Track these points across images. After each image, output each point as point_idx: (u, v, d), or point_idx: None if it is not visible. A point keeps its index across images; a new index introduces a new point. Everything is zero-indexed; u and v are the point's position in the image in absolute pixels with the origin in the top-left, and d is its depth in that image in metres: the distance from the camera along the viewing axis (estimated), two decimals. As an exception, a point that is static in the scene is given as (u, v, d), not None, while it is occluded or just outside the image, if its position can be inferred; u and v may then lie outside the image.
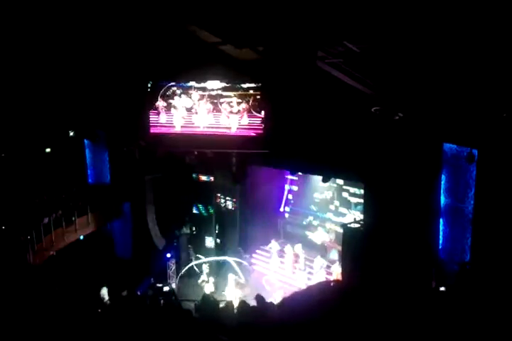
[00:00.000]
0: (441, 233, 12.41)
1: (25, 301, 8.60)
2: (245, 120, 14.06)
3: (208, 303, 10.45)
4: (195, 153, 17.34)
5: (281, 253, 18.28)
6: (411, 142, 12.04)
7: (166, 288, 16.31)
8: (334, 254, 17.38)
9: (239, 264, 17.81)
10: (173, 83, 14.58)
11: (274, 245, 18.41)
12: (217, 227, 19.17)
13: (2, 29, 10.75)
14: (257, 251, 19.13)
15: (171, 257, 18.18)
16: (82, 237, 17.06)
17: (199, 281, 17.49)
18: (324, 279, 15.91)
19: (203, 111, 14.38)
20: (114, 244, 19.03)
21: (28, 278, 11.58)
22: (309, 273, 17.05)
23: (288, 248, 17.97)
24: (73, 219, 16.39)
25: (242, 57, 11.47)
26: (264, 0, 8.11)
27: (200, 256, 18.69)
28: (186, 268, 17.84)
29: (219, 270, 18.24)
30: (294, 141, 14.18)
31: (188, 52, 12.34)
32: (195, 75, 14.47)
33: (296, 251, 17.81)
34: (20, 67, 12.97)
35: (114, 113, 16.11)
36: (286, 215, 19.71)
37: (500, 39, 7.51)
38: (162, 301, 13.00)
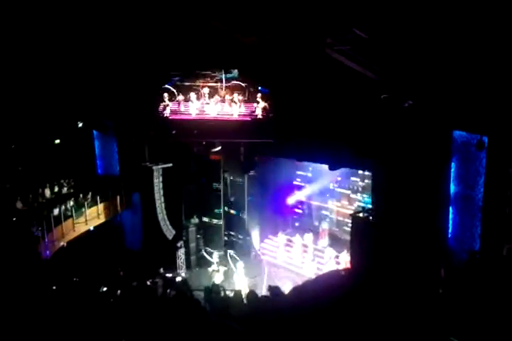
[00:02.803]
0: (450, 221, 12.31)
1: (36, 292, 8.70)
2: (242, 108, 16.02)
3: (216, 293, 10.46)
4: (204, 143, 17.40)
5: (289, 243, 18.29)
6: (420, 129, 11.92)
7: (178, 278, 16.42)
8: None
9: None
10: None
11: (281, 237, 18.46)
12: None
13: (12, 21, 10.74)
14: (266, 240, 19.17)
15: (180, 247, 18.30)
16: (92, 228, 17.17)
17: (209, 270, 17.58)
18: (334, 269, 15.91)
19: (212, 102, 16.06)
20: (124, 235, 19.15)
21: (39, 269, 11.70)
22: (318, 262, 17.05)
23: (297, 238, 17.98)
24: (83, 210, 16.50)
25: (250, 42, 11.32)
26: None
27: (208, 248, 18.87)
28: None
29: (229, 259, 18.39)
30: (300, 130, 14.15)
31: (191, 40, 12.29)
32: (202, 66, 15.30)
33: (306, 241, 17.82)
34: (29, 59, 12.98)
35: (122, 103, 16.11)
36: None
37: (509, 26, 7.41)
38: (171, 291, 13.08)
